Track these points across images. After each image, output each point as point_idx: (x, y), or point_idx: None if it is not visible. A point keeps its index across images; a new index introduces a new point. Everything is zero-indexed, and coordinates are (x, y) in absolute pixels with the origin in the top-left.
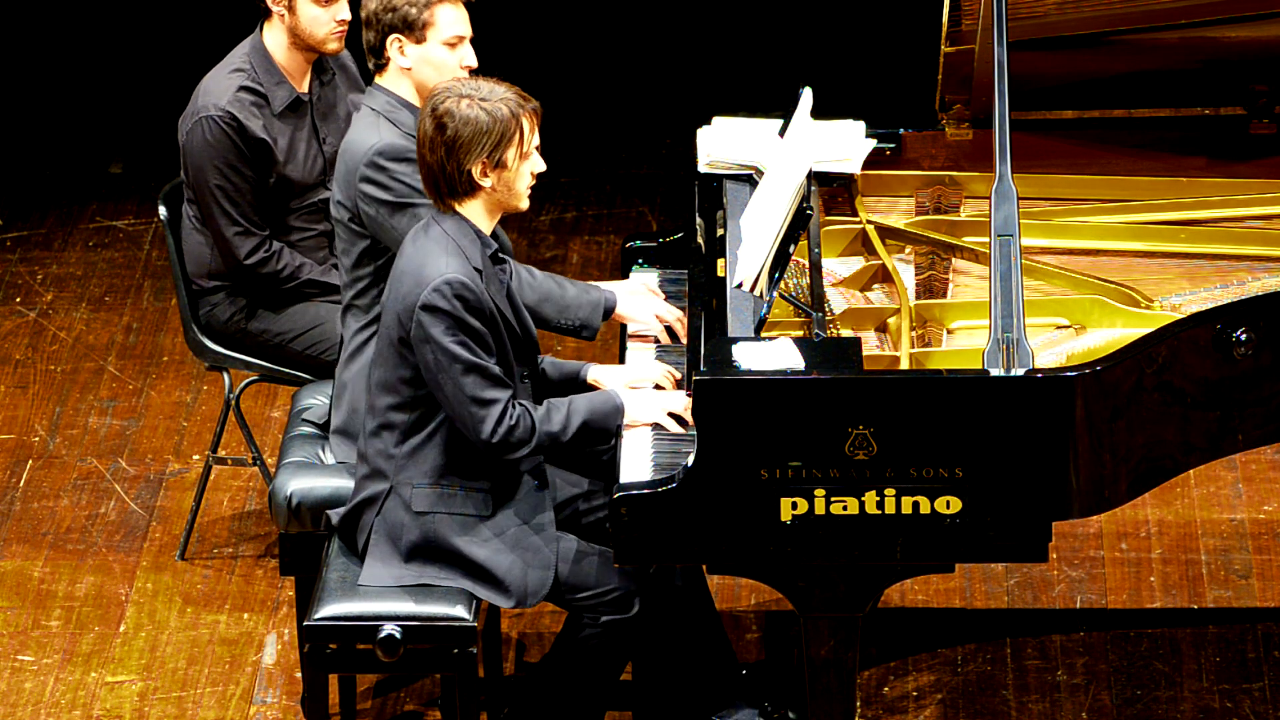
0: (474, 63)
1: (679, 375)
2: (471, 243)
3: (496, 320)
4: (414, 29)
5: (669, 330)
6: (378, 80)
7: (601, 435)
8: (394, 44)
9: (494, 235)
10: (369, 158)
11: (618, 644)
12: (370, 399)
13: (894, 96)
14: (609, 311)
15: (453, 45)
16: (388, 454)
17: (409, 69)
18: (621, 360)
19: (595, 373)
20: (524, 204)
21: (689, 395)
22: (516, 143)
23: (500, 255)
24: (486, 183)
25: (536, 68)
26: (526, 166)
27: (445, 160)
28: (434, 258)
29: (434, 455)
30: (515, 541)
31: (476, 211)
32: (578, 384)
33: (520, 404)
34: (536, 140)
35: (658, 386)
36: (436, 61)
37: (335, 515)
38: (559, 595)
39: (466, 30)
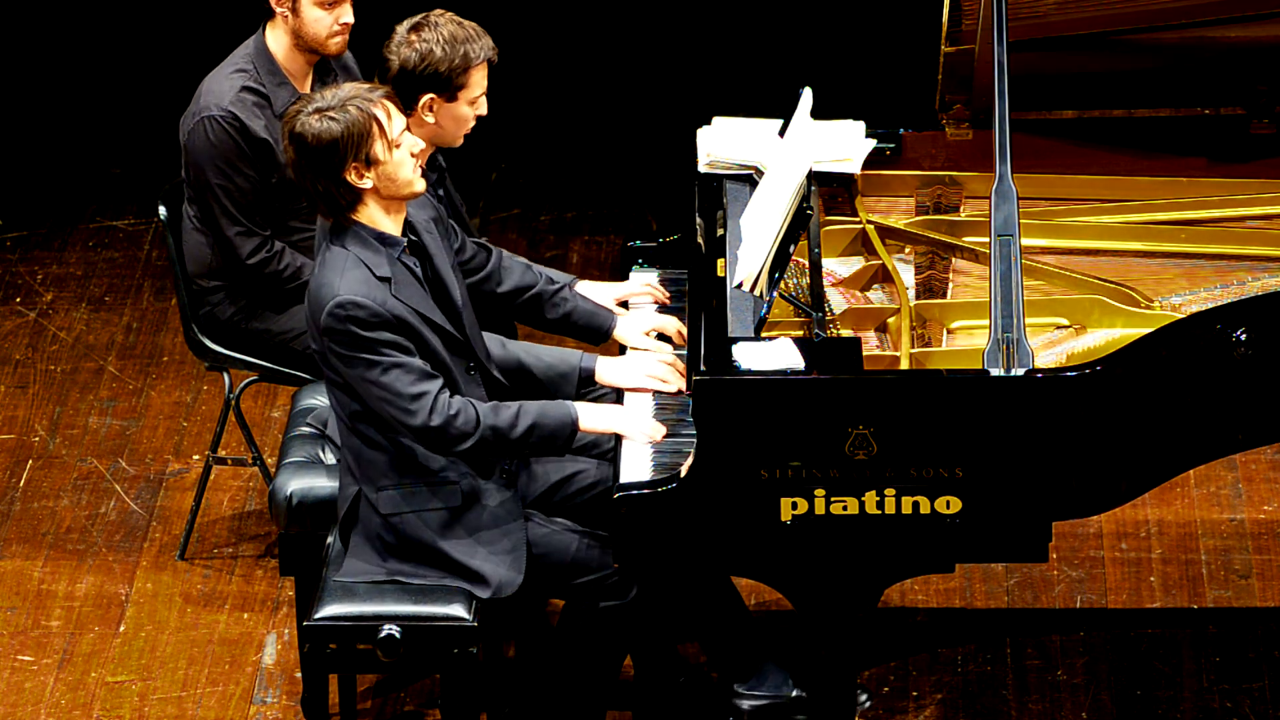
0: (485, 112)
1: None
2: (375, 252)
3: (409, 324)
4: (449, 89)
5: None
6: None
7: (553, 442)
8: (426, 101)
9: (412, 223)
10: None
11: (614, 630)
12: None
13: (894, 96)
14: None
15: (474, 102)
16: (353, 453)
17: (433, 123)
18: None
19: (601, 368)
20: (419, 186)
21: (688, 394)
22: (378, 135)
23: (418, 241)
24: (366, 184)
25: (537, 68)
26: (402, 152)
27: (318, 179)
28: (330, 279)
29: (393, 455)
30: (486, 534)
31: (373, 214)
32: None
33: (462, 398)
34: (401, 123)
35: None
36: (459, 117)
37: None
38: (557, 582)
39: (485, 86)
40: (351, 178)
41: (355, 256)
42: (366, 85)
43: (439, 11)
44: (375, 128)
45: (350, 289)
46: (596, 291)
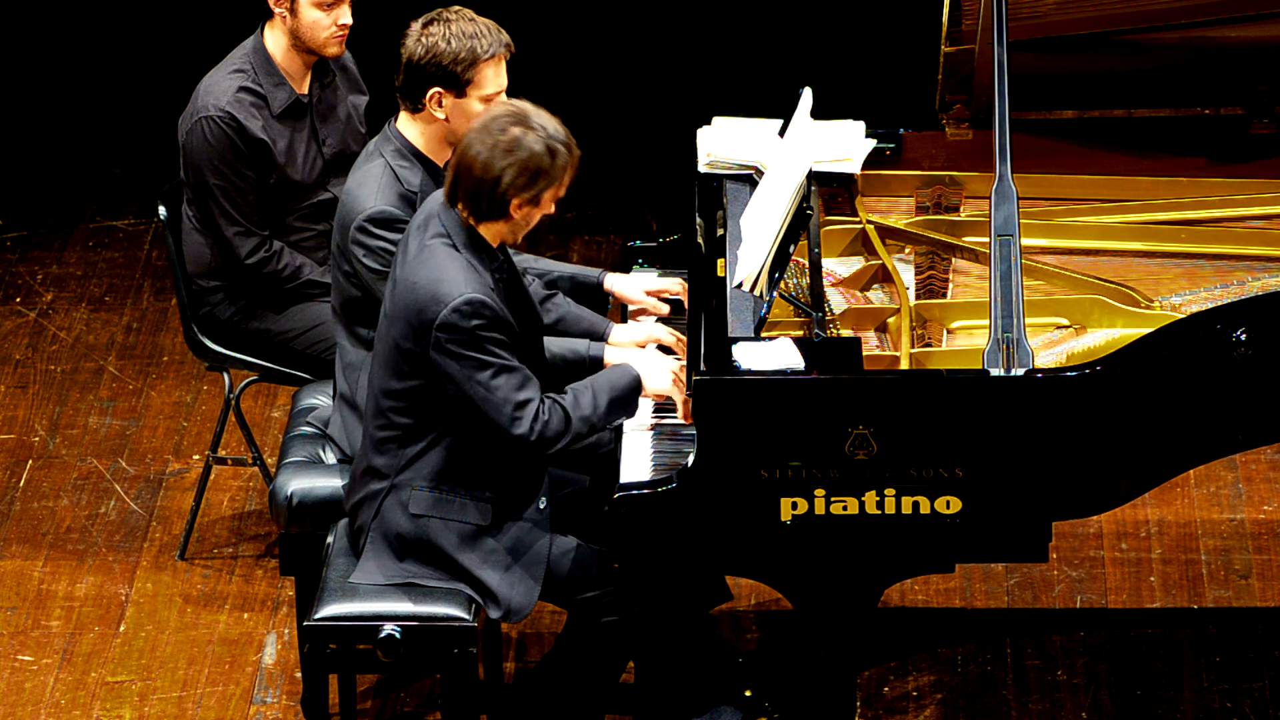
0: None
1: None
2: (483, 262)
3: (514, 329)
4: (457, 84)
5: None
6: (397, 124)
7: (626, 409)
8: (433, 96)
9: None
10: (360, 221)
11: (616, 645)
12: (373, 396)
13: (894, 96)
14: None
15: (489, 99)
16: (390, 453)
17: (444, 119)
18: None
19: (610, 356)
20: (520, 239)
21: (689, 394)
22: (555, 188)
23: (508, 257)
24: (518, 215)
25: (537, 68)
26: (549, 206)
27: (495, 183)
28: (451, 275)
29: (436, 460)
30: (508, 557)
31: (492, 233)
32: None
33: (549, 397)
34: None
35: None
36: (472, 115)
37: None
38: (559, 595)
39: (504, 84)
40: (513, 204)
41: (467, 261)
42: (571, 136)
43: (455, 8)
44: (562, 179)
45: (473, 288)
46: (625, 284)
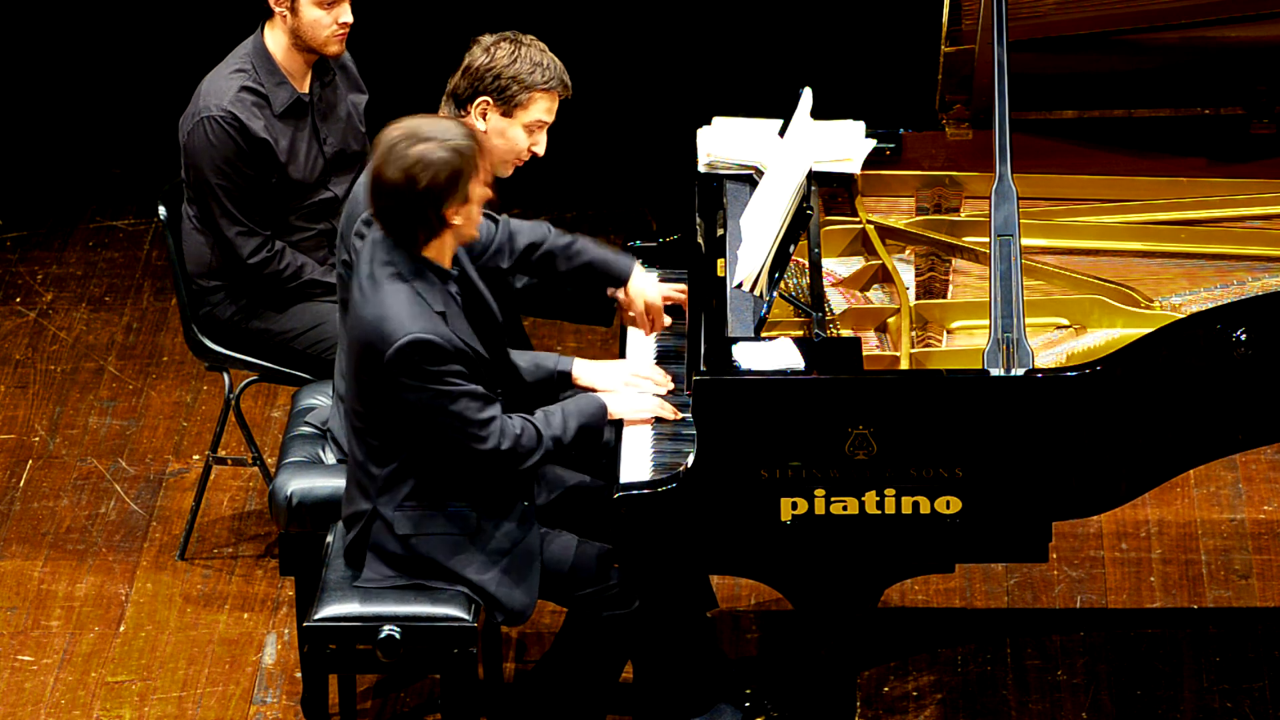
0: (543, 150)
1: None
2: (431, 285)
3: (467, 355)
4: (507, 103)
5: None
6: None
7: (594, 436)
8: (481, 105)
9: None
10: (368, 214)
11: (617, 639)
12: (346, 415)
13: (894, 96)
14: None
15: (531, 130)
16: (369, 472)
17: (483, 131)
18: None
19: (579, 369)
20: (476, 232)
21: (689, 394)
22: (478, 174)
23: (462, 269)
24: (458, 220)
25: None
26: (480, 194)
27: (425, 209)
28: (394, 313)
29: (412, 479)
30: (502, 560)
31: (441, 249)
32: (556, 382)
33: (518, 415)
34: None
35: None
36: (510, 139)
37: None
38: (559, 593)
39: (550, 121)
40: (448, 213)
41: (413, 291)
42: (464, 122)
43: (530, 36)
44: (478, 164)
45: (418, 326)
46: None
